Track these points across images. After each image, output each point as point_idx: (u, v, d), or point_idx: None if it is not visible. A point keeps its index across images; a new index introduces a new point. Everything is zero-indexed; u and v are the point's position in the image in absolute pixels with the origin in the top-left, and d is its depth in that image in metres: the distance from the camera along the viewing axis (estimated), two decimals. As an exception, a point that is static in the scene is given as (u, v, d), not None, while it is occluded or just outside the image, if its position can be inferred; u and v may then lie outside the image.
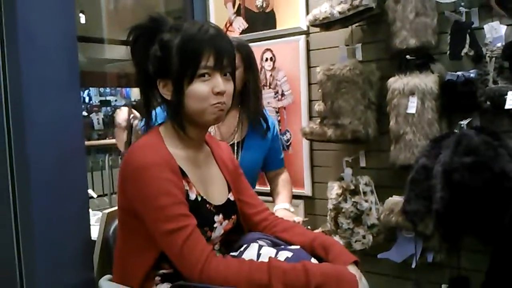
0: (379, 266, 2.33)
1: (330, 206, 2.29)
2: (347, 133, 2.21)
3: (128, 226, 1.37)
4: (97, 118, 7.74)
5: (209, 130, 2.05)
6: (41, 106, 1.46)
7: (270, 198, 2.25)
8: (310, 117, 2.54)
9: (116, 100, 8.38)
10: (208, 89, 1.31)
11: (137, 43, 1.36)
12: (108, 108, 8.13)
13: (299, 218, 1.96)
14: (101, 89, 8.19)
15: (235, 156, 2.01)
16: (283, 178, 2.26)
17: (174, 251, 1.24)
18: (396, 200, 2.15)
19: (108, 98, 8.23)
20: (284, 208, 2.07)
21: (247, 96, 2.06)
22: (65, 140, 1.53)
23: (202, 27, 1.33)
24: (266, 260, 1.27)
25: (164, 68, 1.32)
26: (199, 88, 1.31)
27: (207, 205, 1.38)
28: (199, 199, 1.37)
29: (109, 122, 7.82)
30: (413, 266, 2.15)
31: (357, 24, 2.32)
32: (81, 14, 5.20)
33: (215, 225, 1.39)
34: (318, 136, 2.31)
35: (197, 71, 1.30)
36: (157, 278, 1.34)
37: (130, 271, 1.35)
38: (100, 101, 8.11)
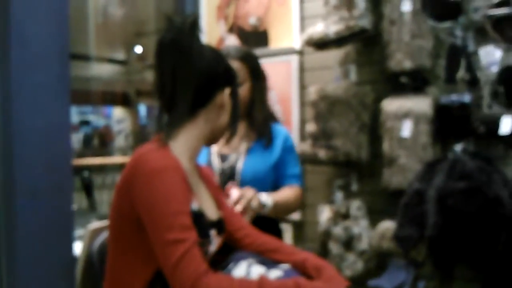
0: (369, 294, 2.28)
1: (320, 230, 2.24)
2: (339, 155, 2.17)
3: (124, 237, 1.30)
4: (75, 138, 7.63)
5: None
6: (30, 113, 1.43)
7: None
8: (302, 138, 2.50)
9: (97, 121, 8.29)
10: None
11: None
12: (87, 128, 8.03)
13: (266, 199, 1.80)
14: (82, 109, 8.09)
15: (237, 165, 1.93)
16: (289, 188, 1.99)
17: (170, 263, 1.18)
18: (388, 225, 2.11)
19: (88, 117, 8.13)
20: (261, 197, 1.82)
21: (253, 107, 1.97)
22: (52, 150, 1.48)
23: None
24: (256, 278, 1.23)
25: (230, 75, 1.44)
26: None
27: (205, 218, 1.36)
28: (199, 210, 1.34)
29: (87, 142, 7.70)
30: (404, 294, 2.11)
31: (351, 45, 2.30)
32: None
33: (211, 239, 1.37)
34: (309, 157, 2.27)
35: None
36: None
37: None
38: (80, 121, 8.01)
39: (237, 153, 1.96)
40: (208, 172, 1.57)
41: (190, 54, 1.31)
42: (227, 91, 1.41)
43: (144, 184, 1.23)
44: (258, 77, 1.99)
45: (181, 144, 1.35)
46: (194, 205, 1.31)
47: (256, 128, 1.98)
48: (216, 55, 1.41)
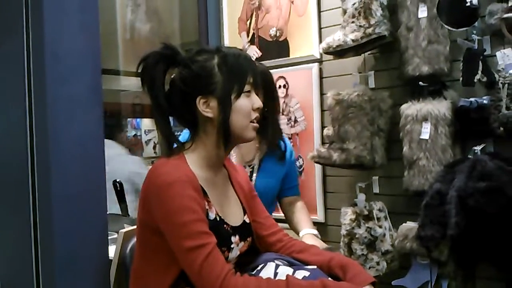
0: (393, 294, 2.30)
1: (343, 231, 2.28)
2: (351, 158, 2.21)
3: (148, 244, 1.37)
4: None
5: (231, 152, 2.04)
6: (65, 123, 1.50)
7: (286, 225, 2.21)
8: (323, 143, 2.56)
9: (126, 131, 8.42)
10: (250, 105, 1.39)
11: (156, 68, 1.38)
12: (117, 139, 8.18)
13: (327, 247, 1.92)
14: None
15: (251, 178, 2.02)
16: (300, 205, 2.18)
17: (194, 269, 1.24)
18: (410, 226, 2.14)
19: (118, 129, 8.28)
20: (312, 234, 2.02)
21: (266, 122, 1.99)
22: (86, 158, 1.56)
23: (237, 49, 1.45)
24: (284, 279, 1.27)
25: (206, 85, 1.37)
26: (244, 103, 1.38)
27: (225, 226, 1.40)
28: (218, 219, 1.38)
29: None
30: (428, 293, 2.13)
31: (369, 52, 2.36)
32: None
33: (232, 246, 1.40)
34: (323, 159, 2.32)
35: (244, 86, 1.37)
36: None
37: None
38: (110, 132, 8.16)
39: (247, 166, 2.07)
40: (241, 176, 1.59)
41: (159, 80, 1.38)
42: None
43: (157, 197, 1.29)
44: (270, 92, 2.04)
45: (196, 154, 1.40)
46: (211, 215, 1.36)
47: (268, 143, 2.08)
48: (231, 63, 1.38)
